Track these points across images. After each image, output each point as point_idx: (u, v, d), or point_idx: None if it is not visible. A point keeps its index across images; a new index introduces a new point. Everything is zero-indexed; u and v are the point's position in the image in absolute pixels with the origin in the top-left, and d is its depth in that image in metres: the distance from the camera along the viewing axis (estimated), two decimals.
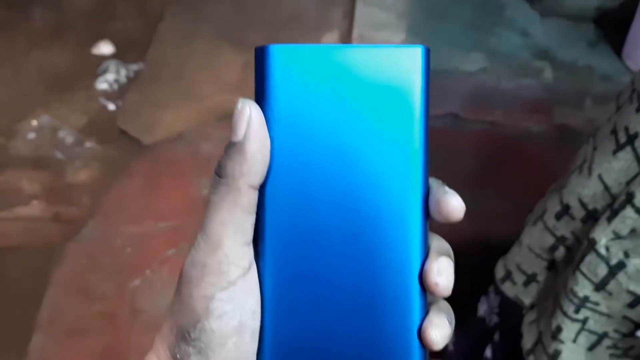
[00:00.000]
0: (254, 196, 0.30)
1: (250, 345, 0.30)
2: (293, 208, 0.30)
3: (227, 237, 0.30)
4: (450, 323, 0.31)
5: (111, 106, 1.66)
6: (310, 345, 0.30)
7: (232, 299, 0.30)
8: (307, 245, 0.30)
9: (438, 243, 0.32)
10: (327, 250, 0.29)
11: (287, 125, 0.29)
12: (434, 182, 0.32)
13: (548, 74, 1.71)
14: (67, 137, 1.57)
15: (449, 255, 0.31)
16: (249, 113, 0.29)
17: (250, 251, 0.31)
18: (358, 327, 0.29)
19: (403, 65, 0.29)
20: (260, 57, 0.30)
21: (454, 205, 0.30)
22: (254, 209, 0.30)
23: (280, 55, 0.29)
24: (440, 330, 0.30)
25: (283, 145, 0.29)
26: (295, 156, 0.29)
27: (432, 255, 0.31)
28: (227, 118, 1.60)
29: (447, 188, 0.31)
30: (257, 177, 0.30)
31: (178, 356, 0.30)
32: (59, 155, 1.54)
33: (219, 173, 0.30)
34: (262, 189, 0.30)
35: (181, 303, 0.30)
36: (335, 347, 0.30)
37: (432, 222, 0.32)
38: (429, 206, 0.31)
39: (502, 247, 0.87)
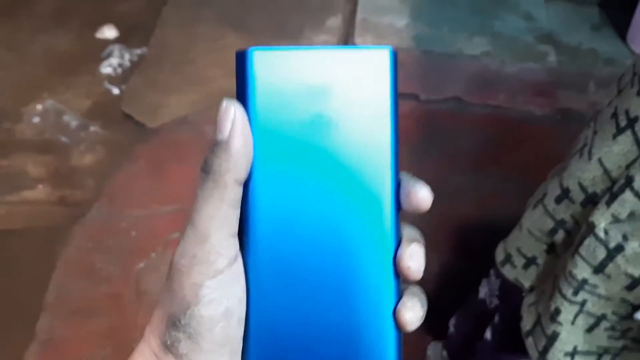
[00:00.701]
0: (238, 191, 0.32)
1: (238, 330, 0.32)
2: (275, 202, 0.32)
3: (215, 229, 0.31)
4: (422, 306, 0.33)
5: (115, 90, 1.66)
6: (292, 329, 0.32)
7: (219, 286, 0.32)
8: (289, 236, 0.32)
9: (410, 231, 0.34)
10: (307, 242, 0.32)
11: (267, 124, 0.31)
12: (404, 176, 0.33)
13: (552, 57, 1.71)
14: (72, 121, 1.58)
15: (419, 242, 0.33)
16: (233, 112, 0.31)
17: (235, 242, 0.32)
18: (338, 311, 0.32)
19: (373, 65, 0.31)
20: (241, 60, 0.31)
21: (422, 195, 0.32)
22: (239, 203, 0.32)
23: (259, 58, 0.31)
24: (412, 312, 0.32)
25: (264, 143, 0.31)
26: (276, 153, 0.31)
27: (404, 242, 0.33)
28: None
29: (416, 180, 0.33)
30: (242, 173, 0.31)
31: (169, 343, 0.32)
32: (63, 139, 1.55)
33: (206, 170, 0.32)
34: (246, 184, 0.32)
35: (171, 292, 0.32)
36: (316, 330, 0.32)
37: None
38: (400, 198, 0.33)
39: (505, 230, 0.88)
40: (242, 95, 0.31)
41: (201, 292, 0.31)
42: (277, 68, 0.31)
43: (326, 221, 0.31)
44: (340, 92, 0.31)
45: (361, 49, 0.31)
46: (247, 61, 0.31)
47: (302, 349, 0.32)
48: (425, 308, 0.33)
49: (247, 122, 0.31)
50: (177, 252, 0.32)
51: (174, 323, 0.32)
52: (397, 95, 0.32)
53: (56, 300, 1.29)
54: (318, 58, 0.31)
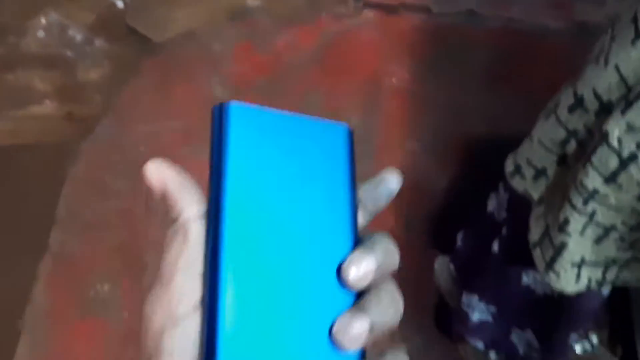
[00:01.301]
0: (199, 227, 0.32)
1: None
2: (245, 230, 0.32)
3: (178, 273, 0.30)
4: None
5: (120, 3, 1.62)
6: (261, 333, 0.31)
7: (182, 335, 0.30)
8: (258, 262, 0.32)
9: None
10: (279, 265, 0.32)
11: (239, 168, 0.33)
12: (357, 248, 0.33)
13: None
14: (77, 35, 1.55)
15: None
16: (162, 171, 0.34)
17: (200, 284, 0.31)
18: (303, 329, 0.31)
19: (330, 137, 0.36)
20: (219, 113, 0.34)
21: (347, 275, 0.32)
22: (201, 239, 0.32)
23: (238, 112, 0.34)
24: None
25: (235, 184, 0.33)
26: (245, 193, 0.33)
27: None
28: (238, 17, 1.55)
29: (357, 254, 0.32)
30: (195, 207, 0.32)
31: None
32: (69, 53, 1.53)
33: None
34: (219, 220, 0.32)
35: (141, 340, 0.31)
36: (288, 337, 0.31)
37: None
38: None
39: (515, 146, 0.87)
40: (217, 143, 0.34)
41: (162, 343, 0.29)
42: (251, 124, 0.34)
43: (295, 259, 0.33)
44: (306, 154, 0.35)
45: (324, 121, 0.36)
46: (224, 113, 0.34)
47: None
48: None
49: (174, 171, 0.34)
50: (145, 297, 0.32)
51: None
52: (354, 158, 0.36)
53: (67, 215, 1.31)
54: (288, 122, 0.35)
